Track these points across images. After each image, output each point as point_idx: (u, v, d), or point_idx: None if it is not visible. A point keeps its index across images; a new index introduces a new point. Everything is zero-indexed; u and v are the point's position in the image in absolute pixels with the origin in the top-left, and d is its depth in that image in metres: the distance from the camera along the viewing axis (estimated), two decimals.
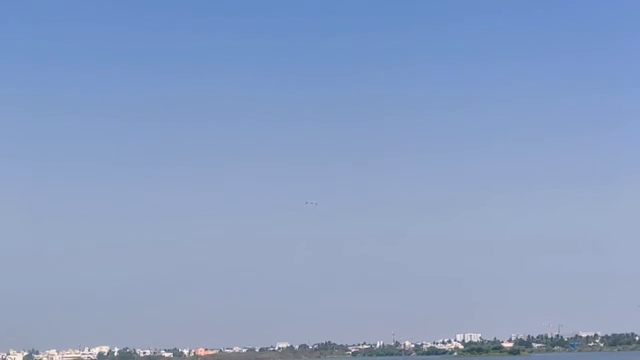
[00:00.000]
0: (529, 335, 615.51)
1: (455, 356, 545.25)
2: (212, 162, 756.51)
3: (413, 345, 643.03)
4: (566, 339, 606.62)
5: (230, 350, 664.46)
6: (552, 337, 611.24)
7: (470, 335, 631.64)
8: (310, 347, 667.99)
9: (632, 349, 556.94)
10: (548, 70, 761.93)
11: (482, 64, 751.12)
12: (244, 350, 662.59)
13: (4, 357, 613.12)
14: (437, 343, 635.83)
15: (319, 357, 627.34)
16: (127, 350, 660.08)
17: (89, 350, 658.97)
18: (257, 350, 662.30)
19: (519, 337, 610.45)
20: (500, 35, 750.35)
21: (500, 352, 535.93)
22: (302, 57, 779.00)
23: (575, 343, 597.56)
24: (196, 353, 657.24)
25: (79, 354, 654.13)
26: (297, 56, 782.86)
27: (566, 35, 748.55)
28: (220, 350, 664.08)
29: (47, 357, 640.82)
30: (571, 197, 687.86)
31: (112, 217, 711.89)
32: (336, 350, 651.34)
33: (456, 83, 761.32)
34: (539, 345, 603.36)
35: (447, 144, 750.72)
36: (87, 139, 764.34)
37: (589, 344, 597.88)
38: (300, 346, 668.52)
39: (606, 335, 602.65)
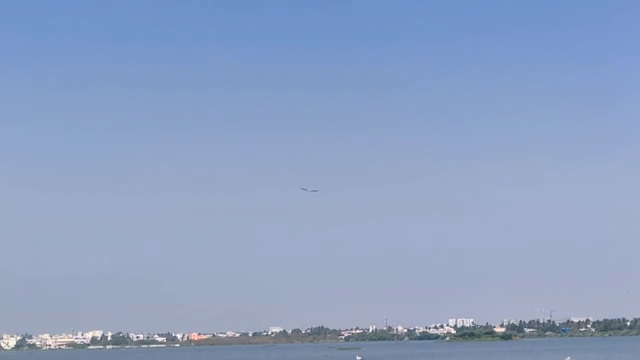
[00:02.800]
0: (520, 321, 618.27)
1: (447, 341, 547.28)
2: (210, 144, 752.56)
3: (406, 330, 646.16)
4: (558, 324, 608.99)
5: (224, 335, 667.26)
6: (543, 322, 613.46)
7: (463, 320, 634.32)
8: (303, 332, 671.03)
9: (623, 334, 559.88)
10: (537, 47, 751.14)
11: (470, 40, 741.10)
12: (237, 335, 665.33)
13: None
14: (429, 328, 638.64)
15: (312, 341, 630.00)
16: (121, 334, 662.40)
17: (82, 335, 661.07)
18: (250, 334, 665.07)
19: (510, 322, 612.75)
20: (491, 10, 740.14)
21: (492, 337, 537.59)
22: (301, 31, 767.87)
23: (567, 328, 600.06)
24: (189, 337, 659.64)
25: (72, 338, 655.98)
26: (297, 31, 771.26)
27: (561, 11, 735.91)
28: (214, 334, 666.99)
29: (41, 342, 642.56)
30: (565, 182, 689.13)
31: (107, 201, 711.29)
32: (329, 335, 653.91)
33: (446, 59, 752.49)
34: (531, 330, 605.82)
35: (439, 118, 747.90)
36: (87, 110, 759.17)
37: (580, 329, 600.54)
38: (293, 331, 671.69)
39: (597, 320, 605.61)
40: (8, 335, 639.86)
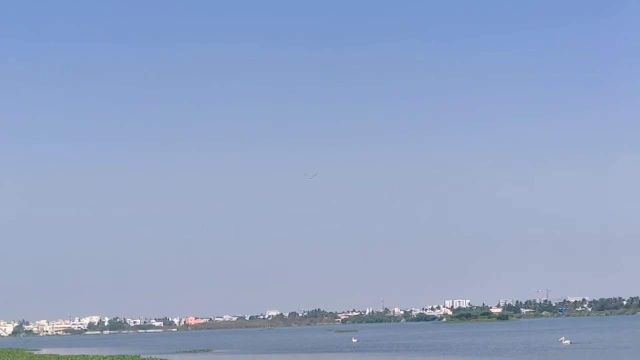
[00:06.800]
0: (517, 301, 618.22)
1: (444, 322, 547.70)
2: (210, 129, 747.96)
3: (402, 312, 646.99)
4: (554, 304, 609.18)
5: (221, 319, 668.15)
6: (540, 303, 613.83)
7: (459, 302, 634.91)
8: (300, 315, 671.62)
9: (619, 314, 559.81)
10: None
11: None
12: (234, 319, 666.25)
13: None
14: (425, 309, 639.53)
15: (308, 324, 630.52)
16: (118, 319, 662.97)
17: (79, 320, 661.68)
18: (247, 318, 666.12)
19: (507, 303, 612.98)
20: None
21: (488, 317, 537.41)
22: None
23: (564, 308, 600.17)
24: (186, 322, 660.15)
25: (69, 324, 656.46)
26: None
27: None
28: (211, 318, 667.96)
29: (38, 328, 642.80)
30: (560, 162, 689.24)
31: (102, 188, 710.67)
32: (326, 318, 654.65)
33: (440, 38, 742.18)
34: (527, 310, 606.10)
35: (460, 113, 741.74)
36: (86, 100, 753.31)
37: (577, 309, 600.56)
38: (290, 314, 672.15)
39: (594, 300, 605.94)
40: (5, 322, 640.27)
